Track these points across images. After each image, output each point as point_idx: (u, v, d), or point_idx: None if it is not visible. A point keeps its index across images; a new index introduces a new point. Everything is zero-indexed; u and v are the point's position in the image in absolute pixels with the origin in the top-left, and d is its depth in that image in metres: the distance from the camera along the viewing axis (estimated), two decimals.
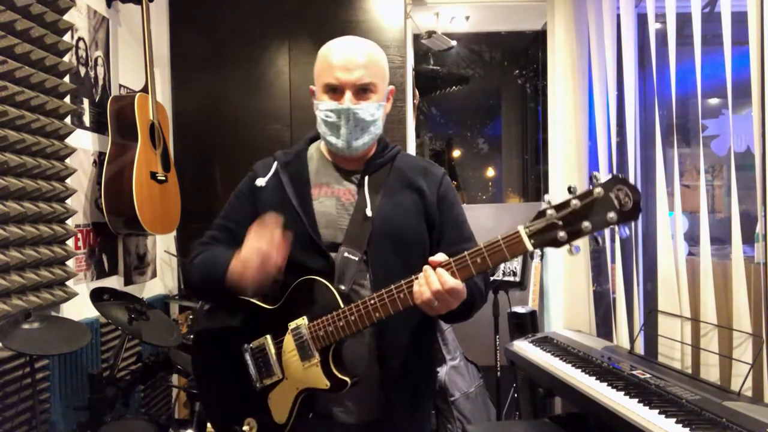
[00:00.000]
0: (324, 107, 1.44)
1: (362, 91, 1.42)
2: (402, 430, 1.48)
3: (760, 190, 2.21)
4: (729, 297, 2.33)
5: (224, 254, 1.43)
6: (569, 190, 1.19)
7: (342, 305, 1.36)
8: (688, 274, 2.53)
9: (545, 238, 1.18)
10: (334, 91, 1.43)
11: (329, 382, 1.37)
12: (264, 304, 1.48)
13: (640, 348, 2.60)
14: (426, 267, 1.27)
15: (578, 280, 3.08)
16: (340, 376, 1.38)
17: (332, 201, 1.48)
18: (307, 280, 1.41)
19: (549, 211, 1.18)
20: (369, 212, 1.44)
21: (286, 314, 1.43)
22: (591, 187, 1.16)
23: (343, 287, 1.40)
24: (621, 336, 2.78)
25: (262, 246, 1.33)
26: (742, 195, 2.35)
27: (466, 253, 1.25)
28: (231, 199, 1.60)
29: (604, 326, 3.12)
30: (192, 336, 1.63)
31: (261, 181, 1.53)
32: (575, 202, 1.16)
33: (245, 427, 1.45)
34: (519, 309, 3.14)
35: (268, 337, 1.45)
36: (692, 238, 2.92)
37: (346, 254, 1.42)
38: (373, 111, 1.44)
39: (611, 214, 1.14)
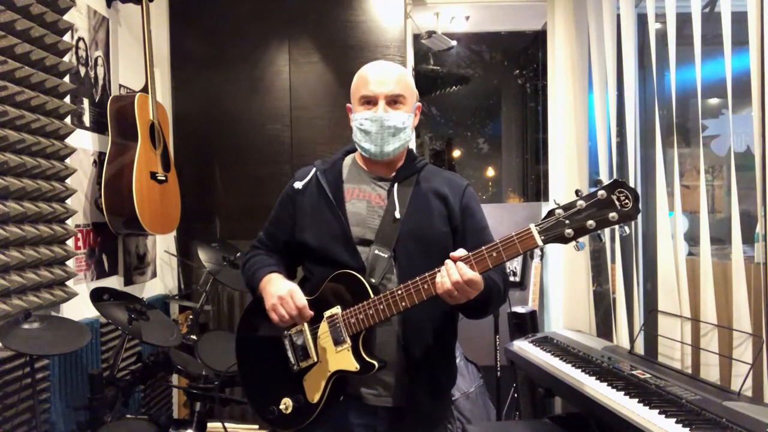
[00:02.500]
0: (360, 117, 1.62)
1: (393, 101, 1.60)
2: (424, 415, 1.61)
3: (760, 190, 2.21)
4: (729, 297, 2.33)
5: (261, 268, 1.66)
6: (576, 192, 1.34)
7: (372, 296, 1.51)
8: (688, 274, 2.53)
9: (554, 234, 1.34)
10: (369, 102, 1.61)
11: (358, 365, 1.52)
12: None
13: (640, 348, 2.60)
14: (447, 261, 1.42)
15: (578, 280, 3.08)
16: (368, 359, 1.53)
17: (363, 203, 1.64)
18: (341, 274, 1.57)
19: (557, 211, 1.34)
20: (398, 215, 1.59)
21: (321, 304, 1.58)
22: (595, 189, 1.31)
23: (373, 280, 1.55)
24: (621, 336, 2.78)
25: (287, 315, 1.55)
26: (742, 195, 2.35)
27: (483, 248, 1.41)
28: (275, 204, 1.77)
29: (604, 326, 3.12)
30: (238, 322, 1.77)
31: (299, 184, 1.70)
32: (581, 203, 1.32)
33: (281, 406, 1.61)
34: (519, 309, 3.14)
35: (305, 324, 1.60)
36: (692, 238, 2.92)
37: (376, 251, 1.57)
38: (404, 119, 1.61)
39: (612, 214, 1.30)
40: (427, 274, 1.45)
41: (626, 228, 1.33)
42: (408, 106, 1.63)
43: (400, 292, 1.47)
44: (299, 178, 1.72)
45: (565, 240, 1.33)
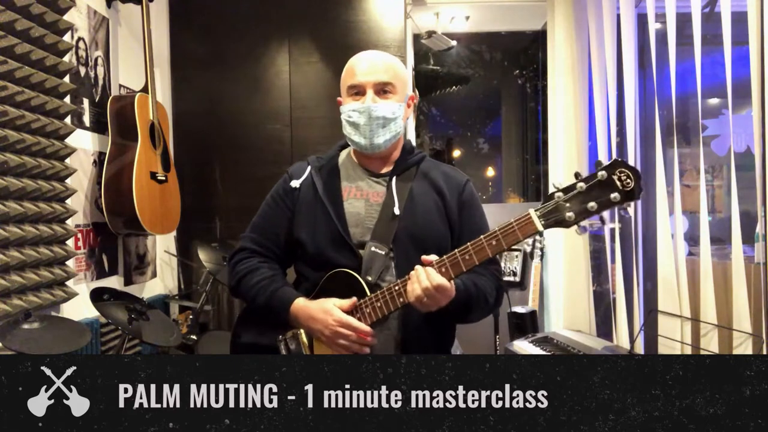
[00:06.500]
0: (347, 108, 1.55)
1: (382, 91, 1.53)
2: None
3: (760, 190, 2.21)
4: (729, 297, 2.34)
5: (282, 290, 1.54)
6: (576, 175, 1.29)
7: (369, 293, 1.46)
8: (688, 274, 2.54)
9: (554, 218, 1.29)
10: (357, 92, 1.54)
11: None
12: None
13: (640, 348, 2.60)
14: (417, 266, 1.38)
15: (578, 280, 3.08)
16: None
17: (361, 202, 1.57)
18: (337, 273, 1.51)
19: (557, 194, 1.29)
20: (397, 210, 1.53)
21: None
22: (595, 170, 1.27)
23: (370, 278, 1.49)
24: (621, 336, 2.78)
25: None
26: (742, 195, 2.36)
27: (482, 236, 1.35)
28: (267, 201, 1.68)
29: (604, 326, 3.13)
30: (233, 328, 1.71)
31: (296, 183, 1.62)
32: (581, 185, 1.27)
33: None
34: (519, 309, 3.14)
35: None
36: (692, 238, 2.92)
37: (373, 248, 1.51)
38: (394, 109, 1.54)
39: (614, 194, 1.25)
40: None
41: (629, 209, 1.30)
42: (399, 95, 1.55)
43: (397, 288, 1.42)
44: (295, 176, 1.63)
45: (566, 224, 1.29)
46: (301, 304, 1.51)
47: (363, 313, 1.46)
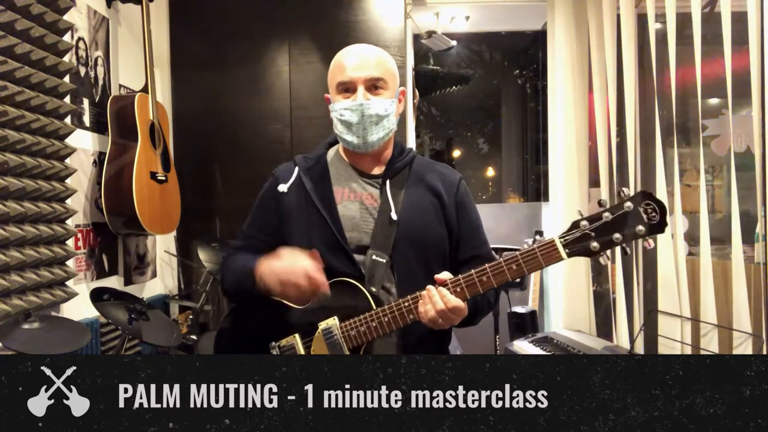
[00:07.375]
0: (338, 107, 1.49)
1: (374, 87, 1.47)
2: None
3: (760, 190, 2.22)
4: (729, 297, 2.34)
5: (250, 262, 1.47)
6: (599, 203, 1.28)
7: (374, 306, 1.40)
8: (688, 274, 2.54)
9: (579, 247, 1.28)
10: (347, 89, 1.48)
11: None
12: (293, 304, 1.51)
13: (640, 348, 2.60)
14: (429, 287, 1.34)
15: (578, 280, 3.08)
16: None
17: (356, 205, 1.51)
18: (338, 282, 1.44)
19: (582, 223, 1.28)
20: (394, 216, 1.47)
21: (315, 314, 1.46)
22: (620, 200, 1.26)
23: (373, 289, 1.43)
24: (621, 336, 2.78)
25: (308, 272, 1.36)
26: (742, 195, 2.36)
27: (501, 260, 1.32)
28: (255, 205, 1.62)
29: (604, 326, 3.13)
30: (216, 332, 1.64)
31: (283, 187, 1.55)
32: (607, 215, 1.26)
33: None
34: (519, 309, 3.14)
35: (297, 336, 1.48)
36: (692, 238, 2.92)
37: (374, 257, 1.45)
38: (386, 106, 1.48)
39: (640, 227, 1.24)
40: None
41: (651, 241, 1.26)
42: (390, 90, 1.49)
43: (407, 304, 1.37)
44: (282, 179, 1.55)
45: (590, 253, 1.27)
46: (264, 260, 1.44)
47: (369, 326, 1.40)
